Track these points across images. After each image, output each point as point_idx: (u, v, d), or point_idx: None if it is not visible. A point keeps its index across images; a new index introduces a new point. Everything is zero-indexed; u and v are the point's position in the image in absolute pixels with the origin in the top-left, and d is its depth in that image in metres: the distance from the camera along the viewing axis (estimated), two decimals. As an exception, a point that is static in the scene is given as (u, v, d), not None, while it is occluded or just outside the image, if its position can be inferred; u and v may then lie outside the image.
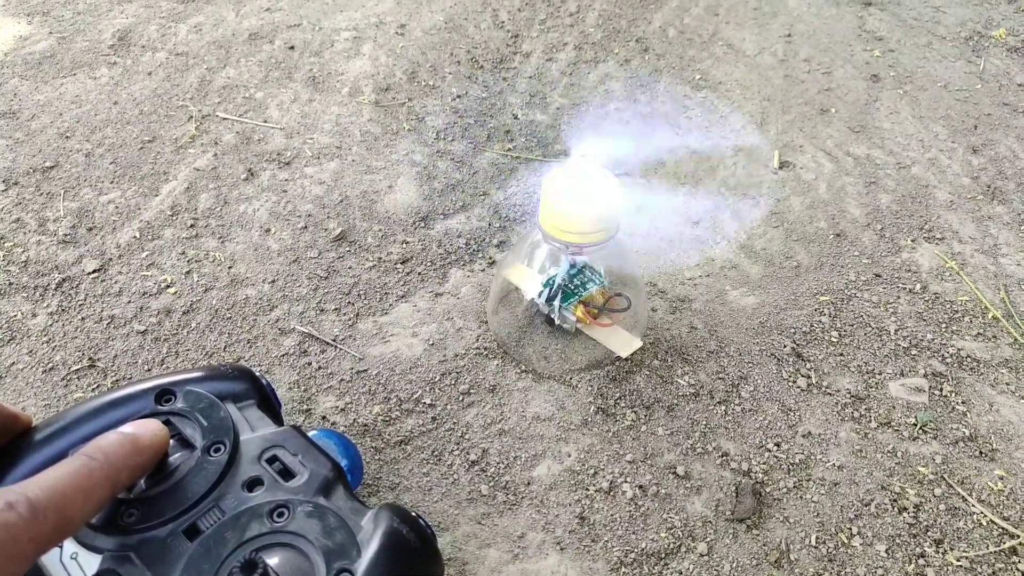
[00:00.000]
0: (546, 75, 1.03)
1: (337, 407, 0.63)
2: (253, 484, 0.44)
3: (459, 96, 0.98)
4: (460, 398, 0.64)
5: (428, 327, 0.69)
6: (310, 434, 0.52)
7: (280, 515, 0.44)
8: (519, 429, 0.62)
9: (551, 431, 0.62)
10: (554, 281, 0.63)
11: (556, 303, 0.63)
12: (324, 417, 0.62)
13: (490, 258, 0.76)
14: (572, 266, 0.63)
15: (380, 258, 0.76)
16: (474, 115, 0.95)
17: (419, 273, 0.74)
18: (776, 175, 0.88)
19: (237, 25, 1.12)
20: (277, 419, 0.48)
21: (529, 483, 0.59)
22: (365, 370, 0.65)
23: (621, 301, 0.64)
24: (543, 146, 0.92)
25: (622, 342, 0.65)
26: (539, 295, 0.64)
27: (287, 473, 0.47)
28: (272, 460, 0.45)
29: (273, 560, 0.45)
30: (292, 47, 1.07)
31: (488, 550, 0.55)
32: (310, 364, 0.66)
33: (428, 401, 0.63)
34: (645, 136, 0.93)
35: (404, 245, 0.77)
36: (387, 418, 0.62)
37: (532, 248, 0.65)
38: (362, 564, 0.45)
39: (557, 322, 0.65)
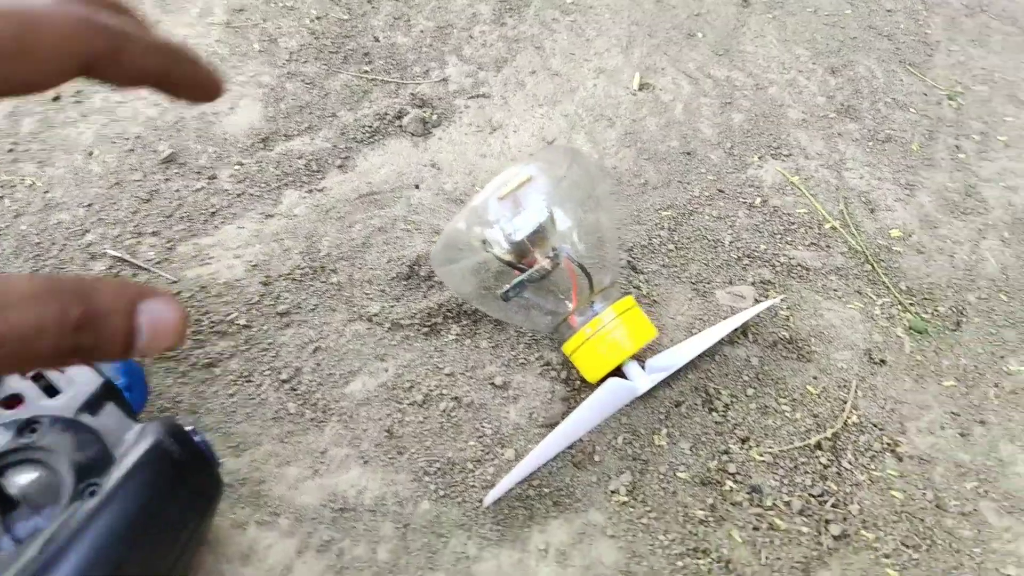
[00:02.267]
0: (411, -1, 0.99)
1: (146, 329, 0.60)
2: (13, 400, 0.42)
3: (318, 18, 0.94)
4: (278, 319, 0.62)
5: (253, 249, 0.66)
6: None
7: (32, 431, 0.42)
8: (337, 347, 0.60)
9: (370, 348, 0.60)
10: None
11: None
12: (131, 339, 0.59)
13: (322, 189, 0.74)
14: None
15: (210, 180, 0.72)
16: (332, 37, 0.92)
17: (251, 195, 0.71)
18: (635, 97, 0.87)
19: (88, -51, 1.05)
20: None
21: (340, 400, 0.57)
22: (177, 293, 0.63)
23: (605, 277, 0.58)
24: (401, 68, 0.89)
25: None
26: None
27: (51, 389, 0.45)
28: (38, 376, 0.43)
29: (18, 476, 0.42)
30: (144, -29, 1.01)
31: (288, 468, 0.53)
32: (123, 287, 0.63)
33: (243, 322, 0.61)
34: (507, 59, 0.91)
35: (239, 166, 0.74)
36: (197, 341, 0.60)
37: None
38: (112, 478, 0.43)
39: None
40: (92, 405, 0.46)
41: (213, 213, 0.69)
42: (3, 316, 0.18)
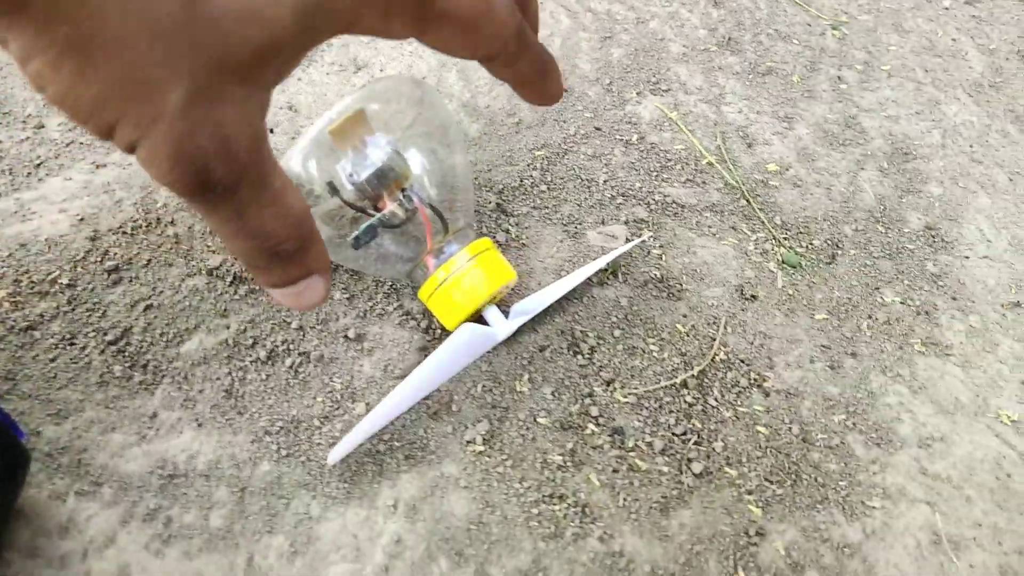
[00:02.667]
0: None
1: (-47, 293, 0.54)
2: None
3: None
4: (106, 275, 0.56)
5: (80, 202, 0.60)
6: None
7: None
8: (171, 303, 0.55)
9: (210, 304, 0.55)
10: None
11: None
12: (-65, 305, 0.53)
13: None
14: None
15: (36, 129, 0.66)
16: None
17: (81, 143, 0.65)
18: (509, 32, 0.82)
19: None
20: None
21: (174, 360, 0.52)
22: (-6, 251, 0.56)
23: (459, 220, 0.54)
24: None
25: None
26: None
27: None
28: None
29: None
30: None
31: (112, 434, 0.48)
32: (-72, 249, 0.56)
33: (66, 281, 0.55)
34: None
35: (70, 115, 0.67)
36: (14, 302, 0.54)
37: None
38: None
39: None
40: None
41: (38, 165, 0.63)
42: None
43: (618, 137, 0.72)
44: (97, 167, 0.63)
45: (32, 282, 0.55)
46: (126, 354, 0.52)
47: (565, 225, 0.64)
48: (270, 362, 0.53)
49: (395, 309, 0.57)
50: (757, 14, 0.88)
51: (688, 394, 0.53)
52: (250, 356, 0.53)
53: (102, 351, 0.52)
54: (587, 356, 0.55)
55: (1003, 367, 0.59)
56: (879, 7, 0.92)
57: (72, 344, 0.53)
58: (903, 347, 0.59)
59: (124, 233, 0.59)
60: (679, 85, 0.79)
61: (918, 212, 0.70)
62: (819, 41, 0.86)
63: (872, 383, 0.56)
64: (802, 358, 0.57)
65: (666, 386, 0.54)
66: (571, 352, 0.55)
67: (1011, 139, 0.78)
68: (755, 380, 0.55)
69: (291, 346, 0.54)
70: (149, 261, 0.57)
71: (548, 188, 0.67)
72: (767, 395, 0.54)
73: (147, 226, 0.59)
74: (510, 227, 0.63)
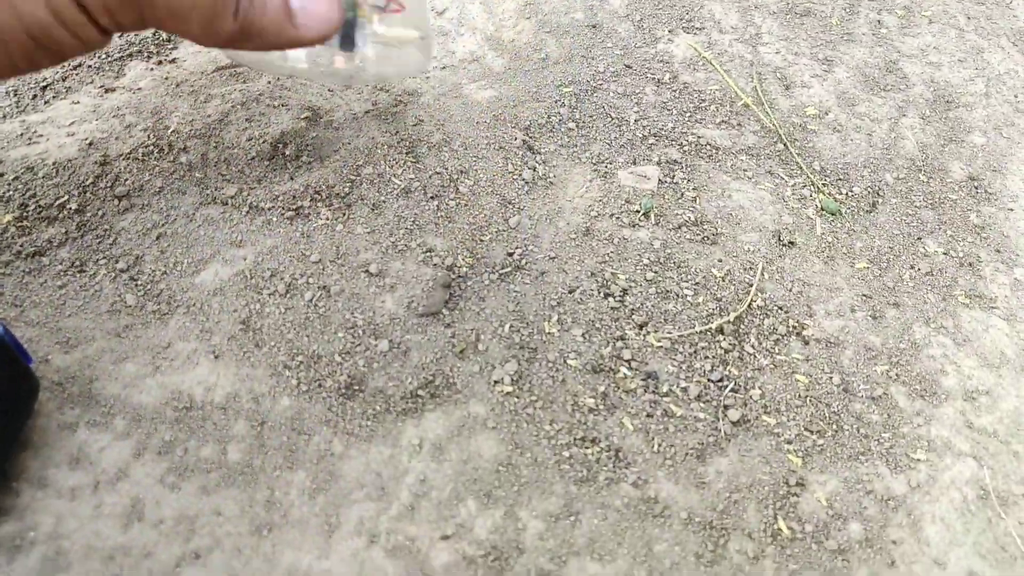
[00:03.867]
0: None
1: (-44, 216, 0.51)
2: None
3: None
4: (116, 201, 0.53)
5: (88, 125, 0.57)
6: None
7: None
8: (185, 232, 0.52)
9: (225, 233, 0.53)
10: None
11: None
12: (-62, 228, 0.51)
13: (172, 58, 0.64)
14: None
15: (41, 50, 0.62)
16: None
17: (88, 66, 0.62)
18: (536, -35, 0.78)
19: None
20: None
21: (188, 290, 0.50)
22: (1, 175, 0.53)
23: None
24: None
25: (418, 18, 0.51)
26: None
27: None
28: None
29: None
30: None
31: (125, 364, 0.46)
32: (-71, 170, 0.53)
33: (74, 207, 0.53)
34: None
35: (77, 36, 0.64)
36: (21, 227, 0.51)
37: None
38: None
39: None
40: None
41: (44, 87, 0.60)
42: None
43: (650, 76, 0.69)
44: (106, 91, 0.60)
45: (39, 207, 0.53)
46: (138, 283, 0.50)
47: (595, 164, 0.61)
48: (288, 295, 0.51)
49: (418, 245, 0.55)
50: (795, -46, 0.84)
51: (724, 340, 0.51)
52: (268, 288, 0.51)
53: (113, 279, 0.50)
54: (618, 299, 0.52)
55: (1052, 320, 0.57)
56: (921, -49, 0.88)
57: (82, 271, 0.50)
58: (946, 299, 0.56)
59: (135, 159, 0.56)
60: (713, 23, 0.75)
61: (961, 162, 0.67)
62: (859, -17, 0.82)
63: (915, 334, 0.54)
64: (842, 307, 0.55)
65: (701, 331, 0.51)
66: (602, 294, 0.52)
67: (1058, 89, 0.75)
68: (794, 328, 0.53)
69: (310, 280, 0.52)
70: (161, 188, 0.55)
71: (577, 126, 0.64)
72: (806, 343, 0.52)
73: (159, 152, 0.56)
74: (536, 165, 0.60)
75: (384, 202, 0.56)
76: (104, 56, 0.62)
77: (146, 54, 0.63)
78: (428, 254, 0.54)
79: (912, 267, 0.58)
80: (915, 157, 0.67)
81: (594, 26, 0.73)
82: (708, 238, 0.57)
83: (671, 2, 0.76)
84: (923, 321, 0.55)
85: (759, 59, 0.72)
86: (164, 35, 0.65)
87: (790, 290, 0.55)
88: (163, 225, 0.53)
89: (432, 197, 0.57)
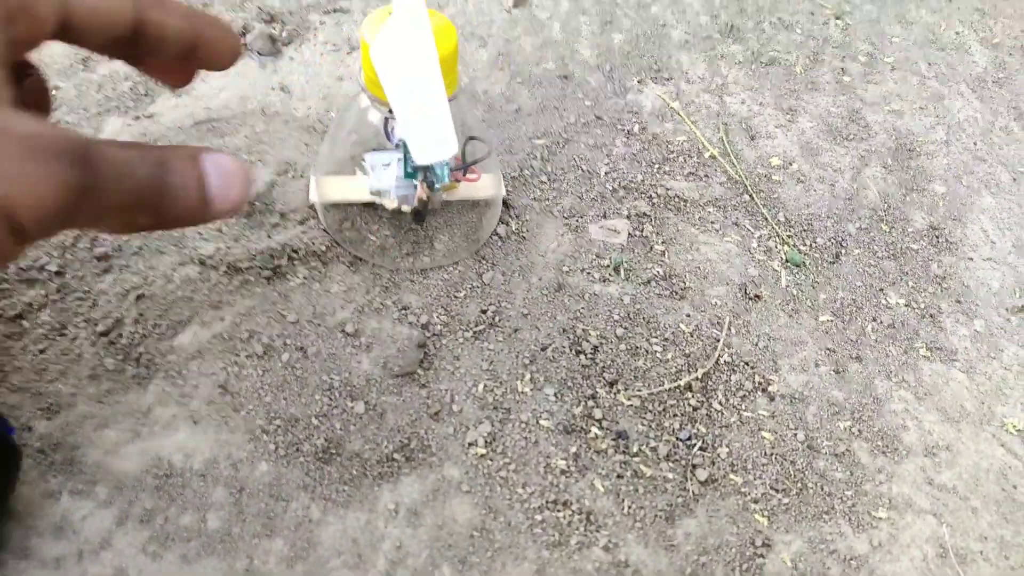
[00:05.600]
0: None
1: (-66, 280, 0.52)
2: None
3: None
4: (95, 263, 0.54)
5: (67, 184, 0.58)
6: None
7: None
8: (164, 293, 0.53)
9: (203, 294, 0.53)
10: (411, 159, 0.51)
11: (419, 180, 0.53)
12: (-84, 293, 0.51)
13: (149, 113, 0.65)
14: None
15: (19, 106, 0.63)
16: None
17: (67, 123, 0.62)
18: (509, 14, 0.80)
19: None
20: None
21: (167, 353, 0.51)
22: (-24, 236, 0.54)
23: (479, 146, 0.54)
24: (252, -18, 0.79)
25: (493, 182, 0.57)
26: (392, 186, 0.53)
27: None
28: None
29: None
30: None
31: (106, 431, 0.47)
32: (-93, 232, 0.54)
33: (55, 268, 0.53)
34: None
35: (54, 91, 0.64)
36: (2, 290, 0.52)
37: (350, 141, 0.56)
38: None
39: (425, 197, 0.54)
40: None
41: (22, 144, 0.60)
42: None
43: (620, 127, 0.71)
44: (84, 148, 0.61)
45: (20, 269, 0.53)
46: (118, 346, 0.51)
47: (566, 218, 0.63)
48: (266, 357, 0.52)
49: (393, 303, 0.56)
50: (760, 1, 0.87)
51: (692, 397, 0.53)
52: (246, 350, 0.52)
53: (93, 342, 0.51)
54: (590, 356, 0.54)
55: (1008, 374, 0.59)
56: (883, -3, 0.91)
57: (62, 335, 0.51)
58: (908, 351, 0.59)
59: (113, 219, 0.56)
60: (681, 73, 0.77)
61: (922, 211, 0.69)
62: (822, 31, 0.85)
63: (877, 388, 0.56)
64: (807, 361, 0.57)
65: (670, 388, 0.53)
66: (573, 351, 0.54)
67: (1014, 136, 0.78)
68: (760, 384, 0.54)
69: (287, 341, 0.53)
70: (140, 248, 0.56)
71: (549, 179, 0.66)
72: (772, 399, 0.54)
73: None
74: (510, 219, 0.62)
75: (360, 259, 0.58)
76: (82, 111, 0.63)
77: (123, 109, 0.64)
78: (403, 312, 0.55)
79: (875, 319, 0.60)
80: (877, 207, 0.69)
81: (565, 76, 0.75)
82: (676, 292, 0.59)
83: (640, 52, 0.78)
84: (885, 375, 0.57)
85: (725, 109, 0.74)
86: (141, 89, 0.66)
87: (756, 345, 0.57)
88: (142, 286, 0.54)
89: (407, 254, 0.58)
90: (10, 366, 0.49)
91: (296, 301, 0.54)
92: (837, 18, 0.86)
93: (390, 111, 0.49)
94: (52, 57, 0.67)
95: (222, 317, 0.53)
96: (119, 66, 0.67)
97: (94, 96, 0.65)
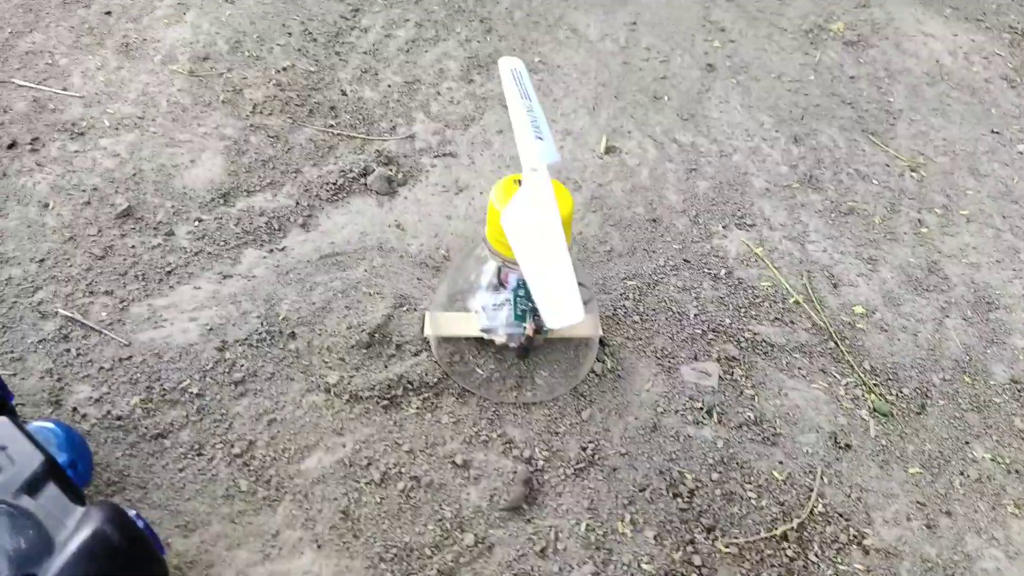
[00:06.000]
0: (382, 51, 0.99)
1: (91, 398, 0.57)
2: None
3: (284, 68, 0.93)
4: (233, 387, 0.59)
5: (209, 311, 0.64)
6: (33, 424, 0.47)
7: (-36, 516, 0.39)
8: (292, 418, 0.58)
9: (327, 421, 0.58)
10: (523, 298, 0.59)
11: (528, 321, 0.59)
12: (75, 409, 0.57)
13: (281, 244, 0.72)
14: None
15: (167, 236, 0.70)
16: (298, 89, 0.90)
17: (209, 253, 0.69)
18: (601, 160, 0.87)
19: (51, -14, 1.03)
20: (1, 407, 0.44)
21: (295, 476, 0.55)
22: (129, 357, 0.60)
23: (582, 291, 0.59)
24: (368, 124, 0.88)
25: (591, 322, 0.63)
26: (501, 324, 0.60)
27: (-13, 469, 0.43)
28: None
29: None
30: (109, 12, 0.99)
31: (238, 551, 0.51)
32: (69, 351, 0.60)
33: (195, 391, 0.59)
34: (474, 117, 0.90)
35: (197, 223, 0.72)
36: (147, 409, 0.57)
37: (467, 284, 0.62)
38: (50, 570, 0.41)
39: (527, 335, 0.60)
40: (32, 486, 0.43)
41: (169, 272, 0.67)
42: None
43: (706, 270, 0.75)
44: (224, 277, 0.68)
45: (164, 390, 0.59)
46: (251, 468, 0.55)
47: (659, 358, 0.67)
48: (383, 485, 0.55)
49: (498, 436, 0.59)
50: (836, 152, 0.92)
51: (789, 548, 0.55)
52: (365, 477, 0.56)
53: (229, 463, 0.55)
54: (687, 500, 0.56)
55: (1100, 538, 0.59)
56: (955, 149, 0.95)
57: (200, 455, 0.56)
58: (996, 507, 0.60)
59: (250, 345, 0.62)
60: (763, 220, 0.82)
61: (1003, 364, 0.71)
62: (898, 182, 0.89)
63: (968, 545, 0.57)
64: (899, 515, 0.58)
65: (766, 538, 0.55)
66: (671, 494, 0.57)
67: (1093, 293, 0.80)
68: (854, 537, 0.56)
69: (402, 469, 0.56)
70: (272, 375, 0.61)
71: (641, 319, 0.70)
72: (867, 553, 0.55)
73: (270, 339, 0.63)
74: (605, 357, 0.66)
75: (466, 391, 0.62)
76: (222, 243, 0.70)
77: (259, 242, 0.71)
78: (508, 445, 0.59)
79: (962, 473, 0.62)
80: (959, 358, 0.71)
81: (654, 220, 0.80)
82: (768, 439, 0.61)
83: (724, 199, 0.84)
84: (975, 531, 0.58)
85: (807, 256, 0.78)
86: (275, 225, 0.73)
87: (849, 496, 0.59)
88: (274, 411, 0.58)
89: (511, 388, 0.62)
90: (152, 483, 0.54)
91: (410, 430, 0.59)
92: (912, 170, 0.91)
93: (505, 262, 0.54)
94: (195, 191, 0.75)
95: (344, 443, 0.57)
96: (256, 201, 0.75)
97: (233, 229, 0.72)
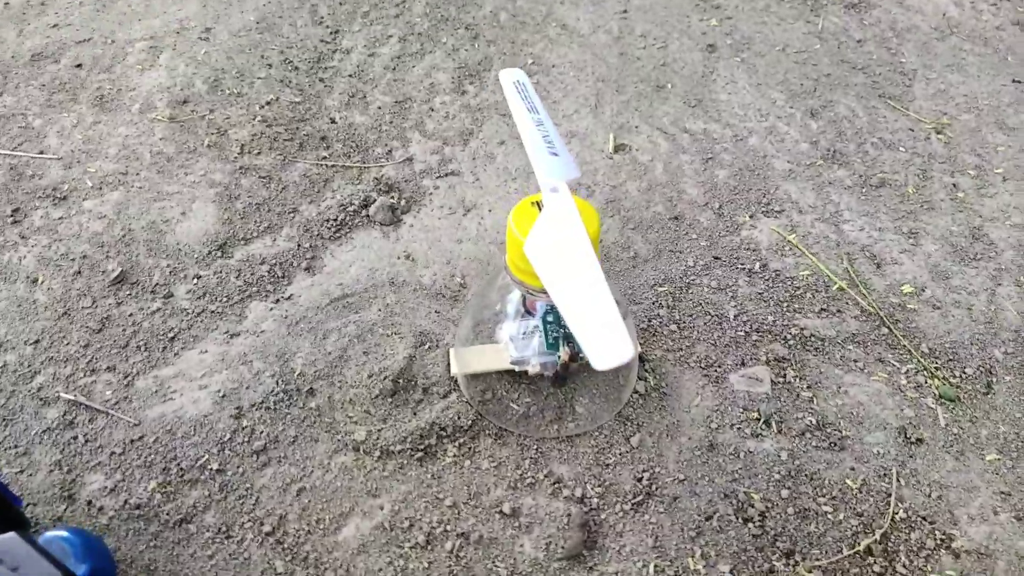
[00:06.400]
0: (367, 72, 0.94)
1: (106, 487, 0.53)
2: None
3: (268, 103, 0.88)
4: (255, 457, 0.55)
5: (219, 376, 0.60)
6: (45, 536, 0.43)
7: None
8: (322, 484, 0.54)
9: (360, 483, 0.54)
10: (552, 324, 0.55)
11: (562, 347, 0.55)
12: (90, 502, 0.53)
13: (287, 293, 0.68)
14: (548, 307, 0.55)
15: (165, 299, 0.66)
16: (285, 123, 0.86)
17: (212, 312, 0.65)
18: (611, 160, 0.82)
19: (18, 47, 0.99)
20: (11, 519, 0.40)
21: (333, 549, 0.51)
22: (141, 437, 0.56)
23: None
24: (362, 151, 0.83)
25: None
26: (533, 354, 0.56)
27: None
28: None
29: None
30: (79, 65, 0.95)
31: (282, 639, 0.46)
32: (76, 438, 0.56)
33: (215, 467, 0.54)
34: (473, 131, 0.86)
35: (196, 280, 0.68)
36: (166, 493, 0.53)
37: (491, 314, 0.58)
38: None
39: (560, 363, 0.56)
40: (50, 611, 0.39)
41: (172, 338, 0.63)
42: None
43: (740, 266, 0.71)
44: (231, 336, 0.63)
45: (181, 469, 0.55)
46: (285, 545, 0.51)
47: (703, 368, 0.62)
48: (430, 547, 0.51)
49: (544, 476, 0.55)
50: (857, 122, 0.87)
51: (875, 562, 0.50)
52: (409, 541, 0.51)
53: (260, 543, 0.51)
54: (758, 524, 0.52)
55: None
56: (978, 105, 0.91)
57: (229, 537, 0.51)
58: (1091, 491, 0.55)
59: (267, 408, 0.58)
60: (791, 204, 0.77)
61: (1069, 329, 0.66)
62: (925, 146, 0.84)
63: (1068, 537, 0.52)
64: (984, 509, 0.54)
65: (850, 555, 0.50)
66: (740, 519, 0.52)
67: None
68: (942, 540, 0.51)
69: (448, 527, 0.52)
70: (295, 438, 0.56)
71: (678, 327, 0.65)
72: (957, 557, 0.51)
73: (288, 398, 0.59)
74: (646, 374, 0.61)
75: (503, 429, 0.57)
76: (225, 299, 0.66)
77: (263, 293, 0.67)
78: (557, 486, 0.54)
79: (1045, 455, 0.57)
80: (1019, 328, 0.66)
81: (676, 217, 0.76)
82: (835, 444, 0.57)
83: (746, 186, 0.79)
84: (1073, 520, 0.53)
85: (844, 238, 0.73)
86: (278, 272, 0.69)
87: (929, 496, 0.54)
88: (301, 479, 0.54)
89: (551, 420, 0.58)
90: (181, 575, 0.50)
91: (450, 482, 0.54)
92: (938, 132, 0.86)
93: (529, 290, 0.50)
94: (190, 246, 0.70)
95: (381, 506, 0.53)
96: (255, 248, 0.70)
97: (234, 282, 0.67)
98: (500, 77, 0.55)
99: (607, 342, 0.40)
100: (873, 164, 0.81)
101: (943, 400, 0.60)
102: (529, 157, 0.49)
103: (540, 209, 0.48)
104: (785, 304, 0.67)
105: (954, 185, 0.80)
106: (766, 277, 0.69)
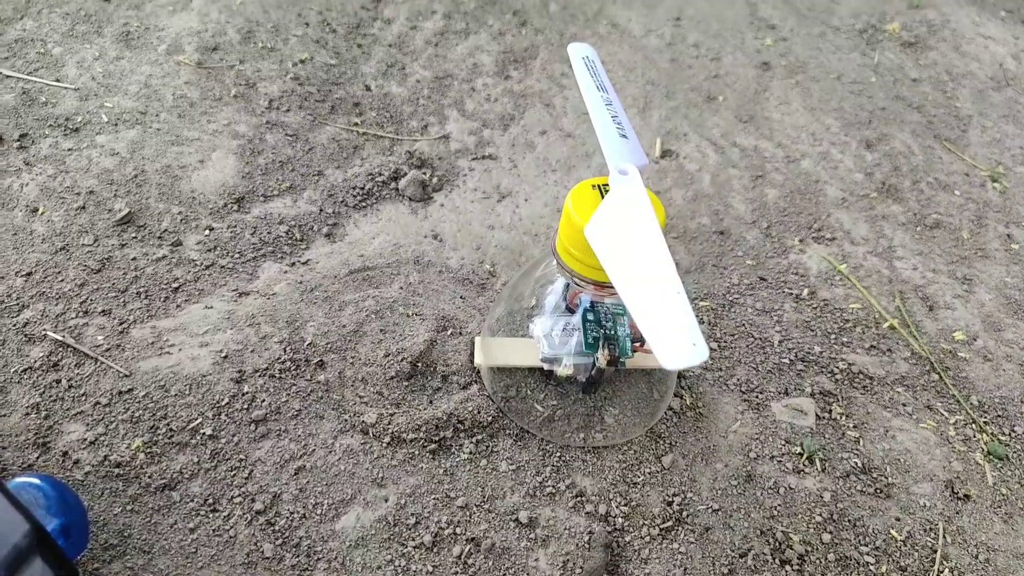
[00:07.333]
0: (408, 44, 0.90)
1: (85, 439, 0.48)
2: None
3: (302, 61, 0.84)
4: (252, 426, 0.50)
5: (223, 335, 0.55)
6: (14, 482, 0.38)
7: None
8: (324, 466, 0.49)
9: (366, 469, 0.49)
10: (593, 323, 0.51)
11: (600, 350, 0.50)
12: (66, 453, 0.47)
13: (306, 259, 0.63)
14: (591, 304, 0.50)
15: (173, 247, 0.61)
16: (318, 83, 0.81)
17: (221, 267, 0.60)
18: (657, 164, 0.78)
19: (44, -30, 0.93)
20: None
21: (329, 539, 0.46)
22: (130, 390, 0.51)
23: None
24: (396, 122, 0.79)
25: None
26: (568, 353, 0.51)
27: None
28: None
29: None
30: (108, -2, 0.90)
31: (264, 633, 0.41)
32: (59, 382, 0.51)
33: (208, 431, 0.49)
34: (514, 116, 0.81)
35: (208, 232, 0.63)
36: (150, 453, 0.48)
37: (526, 305, 0.54)
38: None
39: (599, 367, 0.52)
40: (12, 566, 0.34)
41: (176, 289, 0.58)
42: None
43: (787, 290, 0.66)
44: (240, 295, 0.58)
45: (171, 430, 0.49)
46: (276, 528, 0.46)
47: (744, 393, 0.58)
48: (435, 550, 0.46)
49: (566, 488, 0.50)
50: (913, 160, 0.83)
51: (920, 625, 0.45)
52: (413, 540, 0.46)
53: (249, 522, 0.46)
54: (796, 568, 0.47)
55: None
56: (1036, 157, 0.87)
57: (215, 511, 0.46)
58: None
59: (271, 376, 0.53)
60: (843, 233, 0.73)
61: None
62: (980, 193, 0.81)
63: None
64: (1038, 582, 0.49)
65: (894, 613, 0.46)
66: (777, 560, 0.47)
67: None
68: (993, 610, 0.47)
69: (457, 530, 0.47)
70: (299, 412, 0.51)
71: (719, 347, 0.61)
72: (1009, 631, 0.46)
73: (295, 368, 0.54)
74: (683, 391, 0.57)
75: (525, 432, 0.53)
76: (237, 256, 0.61)
77: (279, 254, 0.62)
78: (579, 499, 0.50)
79: (1102, 530, 0.53)
80: (1075, 392, 0.62)
81: (721, 232, 0.71)
82: (881, 490, 0.52)
83: (797, 209, 0.75)
84: None
85: (897, 275, 0.69)
86: (297, 234, 0.64)
87: (976, 557, 0.50)
88: (301, 457, 0.49)
89: (577, 429, 0.53)
90: (158, 547, 0.45)
91: (463, 480, 0.49)
92: (993, 180, 0.82)
93: (576, 279, 0.45)
94: (205, 195, 0.65)
95: (386, 497, 0.48)
96: (275, 207, 0.66)
97: (249, 239, 0.63)
98: (569, 51, 0.50)
99: (680, 339, 0.35)
100: (928, 204, 0.78)
101: (991, 457, 0.56)
102: (598, 136, 0.44)
103: (603, 194, 0.44)
104: (833, 336, 0.63)
105: (1008, 236, 0.76)
106: (814, 305, 0.65)
